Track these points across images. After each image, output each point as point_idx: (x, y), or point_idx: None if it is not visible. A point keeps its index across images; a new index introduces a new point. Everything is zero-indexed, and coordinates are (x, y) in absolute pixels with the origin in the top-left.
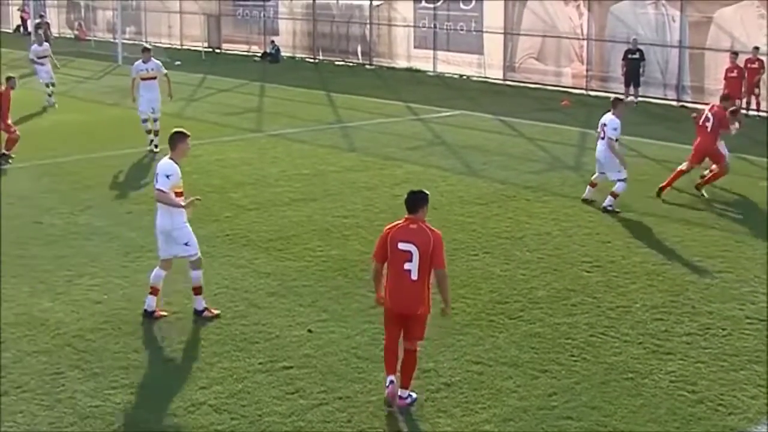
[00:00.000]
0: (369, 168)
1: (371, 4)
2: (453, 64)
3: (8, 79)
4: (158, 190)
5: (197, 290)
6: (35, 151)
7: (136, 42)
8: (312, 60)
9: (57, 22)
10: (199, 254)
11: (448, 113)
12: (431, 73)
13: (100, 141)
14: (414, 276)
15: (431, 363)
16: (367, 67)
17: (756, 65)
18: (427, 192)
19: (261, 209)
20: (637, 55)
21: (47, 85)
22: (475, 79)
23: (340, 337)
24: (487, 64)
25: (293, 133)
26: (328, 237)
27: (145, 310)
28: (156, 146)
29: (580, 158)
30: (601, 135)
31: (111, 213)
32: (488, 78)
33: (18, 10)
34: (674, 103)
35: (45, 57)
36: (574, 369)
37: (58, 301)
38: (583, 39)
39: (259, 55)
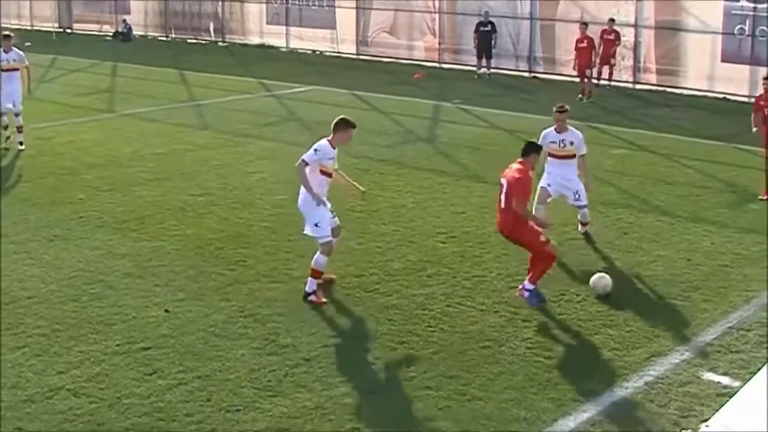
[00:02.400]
0: (223, 146)
1: None
2: (306, 39)
3: None
4: (300, 160)
5: (314, 273)
6: None
7: None
8: (164, 38)
9: None
10: (330, 239)
11: (301, 89)
12: (284, 49)
13: None
14: (501, 204)
15: (289, 338)
16: (220, 44)
17: (612, 36)
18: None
19: (114, 190)
20: (488, 27)
21: None
22: (328, 54)
23: (197, 316)
24: (340, 39)
25: (146, 113)
26: (182, 216)
27: (305, 292)
28: (20, 143)
29: (433, 130)
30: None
31: None
32: (341, 53)
33: None
34: (526, 74)
35: None
36: (432, 339)
37: None
38: (435, 12)
39: (111, 34)
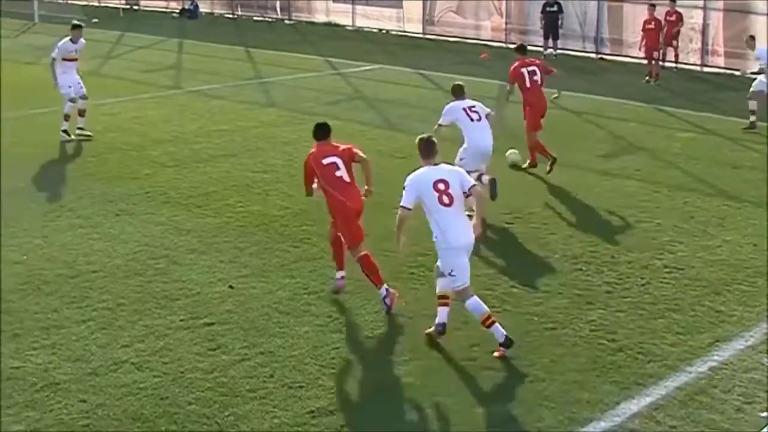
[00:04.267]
0: (288, 123)
1: None
2: (372, 18)
3: None
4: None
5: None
6: None
7: (53, 0)
8: (231, 16)
9: None
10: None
11: (367, 67)
12: (350, 28)
13: (16, 100)
14: (347, 178)
15: (353, 317)
16: (287, 22)
17: (674, 18)
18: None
19: (180, 166)
20: (555, 8)
21: None
22: (394, 33)
23: (262, 293)
24: (406, 18)
25: (212, 90)
26: (248, 193)
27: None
28: (80, 128)
29: (500, 111)
30: (477, 117)
31: (29, 173)
32: (407, 32)
33: None
34: (593, 55)
35: None
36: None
37: None
38: None
39: (178, 11)
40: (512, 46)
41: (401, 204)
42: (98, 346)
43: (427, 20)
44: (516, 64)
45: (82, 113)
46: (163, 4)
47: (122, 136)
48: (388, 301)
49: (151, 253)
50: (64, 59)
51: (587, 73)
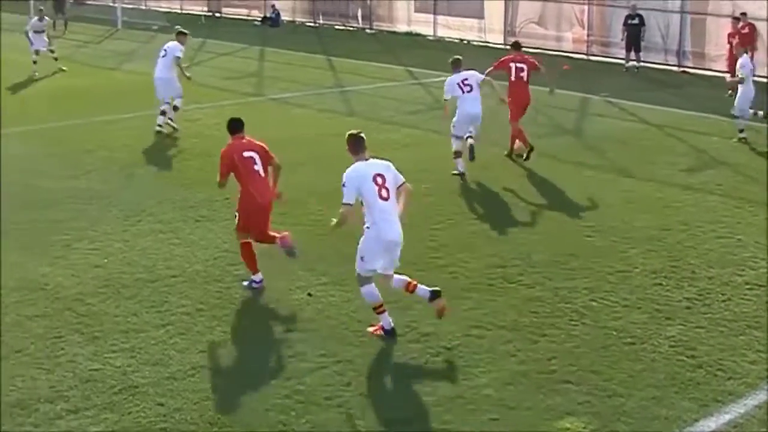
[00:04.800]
0: (369, 132)
1: None
2: (453, 28)
3: None
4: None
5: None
6: (35, 115)
7: (135, 6)
8: (312, 24)
9: None
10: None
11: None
12: (431, 38)
13: (100, 105)
14: (262, 173)
15: (431, 327)
16: (368, 31)
17: (746, 30)
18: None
19: None
20: (636, 21)
21: (37, 53)
22: (475, 43)
23: (340, 301)
24: (487, 29)
25: (293, 98)
26: (328, 201)
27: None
28: (160, 126)
29: (580, 123)
30: (468, 89)
31: (112, 177)
32: (489, 42)
33: None
34: (675, 68)
35: (42, 32)
36: (574, 333)
37: (57, 265)
38: (584, 3)
39: (260, 19)
40: (594, 58)
41: (343, 201)
42: (177, 350)
43: (509, 31)
44: (508, 56)
45: (176, 108)
46: (245, 11)
47: (203, 142)
48: (255, 285)
49: (231, 260)
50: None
51: (669, 86)
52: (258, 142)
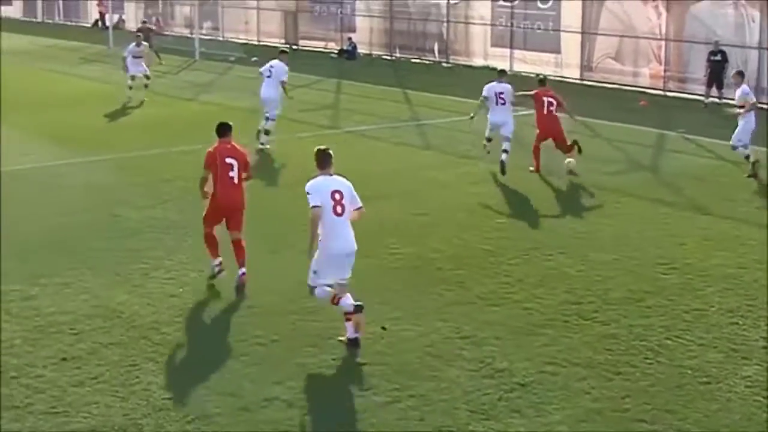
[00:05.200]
0: (445, 166)
1: (448, 2)
2: (530, 63)
3: None
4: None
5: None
6: (112, 145)
7: (213, 38)
8: (389, 57)
9: (134, 16)
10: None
11: (524, 112)
12: (508, 72)
13: (177, 136)
14: (236, 180)
15: (505, 362)
16: (444, 65)
17: None
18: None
19: None
20: (719, 57)
21: (133, 78)
22: (551, 78)
23: (414, 335)
24: (564, 64)
25: (369, 130)
26: (403, 235)
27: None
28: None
29: (656, 159)
30: (502, 102)
31: (188, 207)
32: (565, 77)
33: (96, 4)
34: None
35: (140, 57)
36: (649, 372)
37: (133, 293)
38: (662, 39)
39: (336, 52)
40: (670, 94)
41: (312, 205)
42: (250, 381)
43: (585, 66)
44: (538, 91)
45: (267, 132)
46: (322, 44)
47: (277, 173)
48: (216, 268)
49: (306, 292)
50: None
51: None
52: (242, 151)
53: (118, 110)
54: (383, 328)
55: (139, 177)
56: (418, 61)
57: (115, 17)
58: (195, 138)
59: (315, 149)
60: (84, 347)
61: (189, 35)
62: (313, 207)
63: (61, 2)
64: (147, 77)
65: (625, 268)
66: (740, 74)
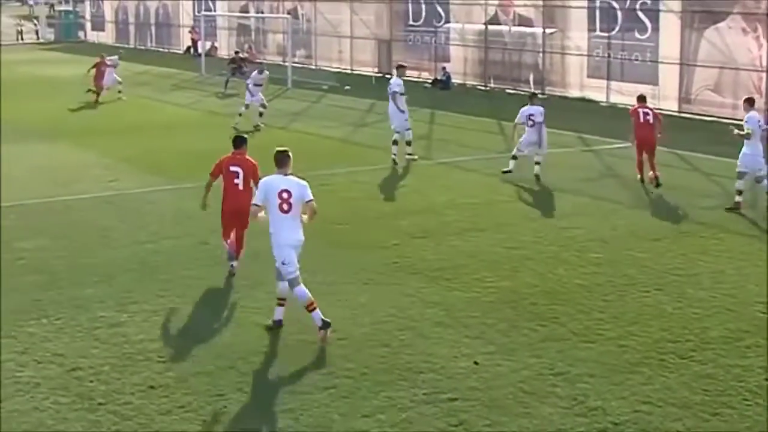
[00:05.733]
0: (539, 199)
1: (544, 31)
2: (627, 94)
3: None
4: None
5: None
6: (204, 172)
7: (306, 66)
8: (483, 87)
9: (227, 44)
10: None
11: (621, 145)
12: (604, 103)
13: (267, 164)
14: (240, 187)
15: (599, 401)
16: (540, 95)
17: None
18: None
19: (429, 238)
20: None
21: (258, 106)
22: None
23: (507, 371)
24: (661, 96)
25: (463, 161)
26: (497, 268)
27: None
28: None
29: (756, 195)
30: (531, 123)
31: None
32: (663, 109)
33: (188, 31)
34: None
35: (260, 86)
36: (747, 414)
37: (223, 323)
38: (762, 71)
39: (430, 81)
40: None
41: (253, 202)
42: (339, 414)
43: (683, 98)
44: (636, 106)
45: (409, 143)
46: (416, 74)
47: (372, 204)
48: (229, 249)
49: (397, 324)
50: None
51: None
52: (251, 162)
53: (209, 137)
54: (475, 363)
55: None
56: (513, 91)
57: (208, 44)
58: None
59: (275, 150)
60: (172, 375)
61: (282, 63)
62: (252, 205)
63: (153, 28)
64: (263, 106)
65: (723, 307)
66: (749, 101)
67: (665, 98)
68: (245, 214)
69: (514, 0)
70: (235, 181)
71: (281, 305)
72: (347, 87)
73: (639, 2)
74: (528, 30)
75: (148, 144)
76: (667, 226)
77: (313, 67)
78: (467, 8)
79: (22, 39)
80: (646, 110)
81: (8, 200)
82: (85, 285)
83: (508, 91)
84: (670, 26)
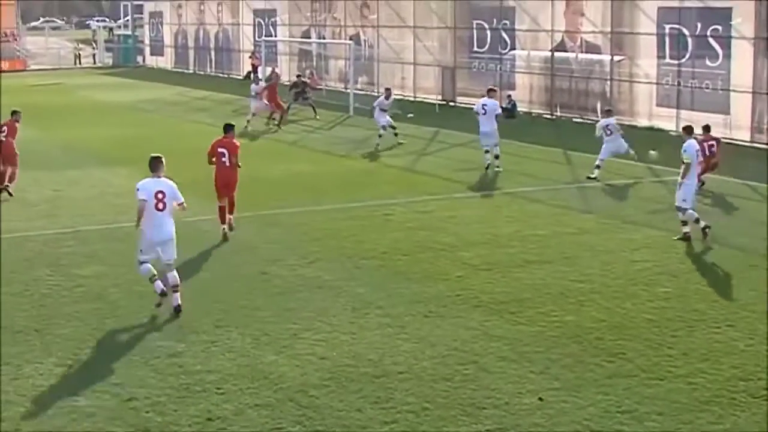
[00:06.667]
0: (606, 231)
1: (612, 59)
2: (697, 123)
3: (14, 112)
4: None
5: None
6: (263, 201)
7: (368, 92)
8: (549, 116)
9: (288, 69)
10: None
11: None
12: (673, 133)
13: (329, 193)
14: (227, 164)
15: None
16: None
17: None
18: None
19: (494, 270)
20: None
21: (388, 127)
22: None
23: (573, 408)
24: (733, 125)
25: (528, 192)
26: (562, 302)
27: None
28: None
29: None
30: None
31: (339, 267)
32: (734, 139)
33: (249, 57)
34: None
35: (385, 110)
36: None
37: (282, 354)
38: None
39: None
40: None
41: (139, 198)
42: None
43: (756, 127)
44: (703, 137)
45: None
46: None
47: (434, 235)
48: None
49: (460, 358)
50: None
51: None
52: (235, 144)
53: (269, 165)
54: (540, 399)
55: (288, 235)
56: (580, 120)
57: (268, 70)
58: (347, 196)
59: (150, 157)
60: (230, 408)
61: (343, 90)
62: (140, 200)
63: (213, 53)
64: (393, 127)
65: None
66: (687, 129)
67: (737, 128)
68: (232, 184)
69: (582, 26)
70: (223, 159)
71: (155, 280)
72: (410, 114)
73: (710, 29)
74: (596, 57)
75: (205, 171)
76: (737, 260)
77: (376, 93)
78: (533, 35)
79: (80, 63)
80: (711, 142)
81: (67, 226)
82: (142, 314)
83: (575, 119)
84: (742, 53)
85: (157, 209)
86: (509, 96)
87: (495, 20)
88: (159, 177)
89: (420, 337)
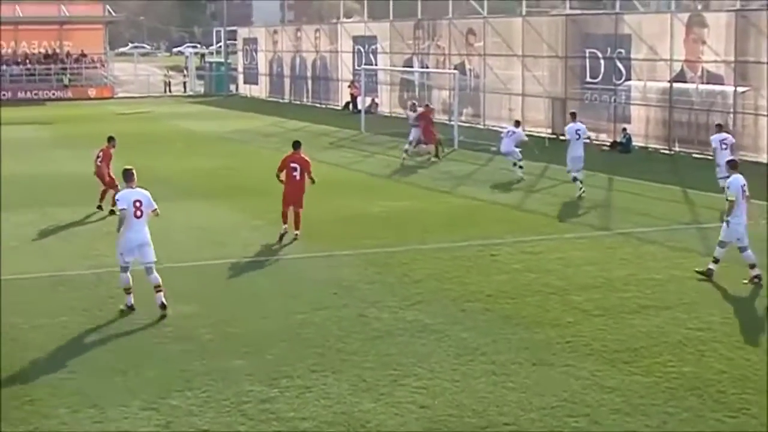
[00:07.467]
0: (729, 275)
1: (736, 90)
2: None
3: (110, 139)
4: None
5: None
6: (363, 239)
7: (473, 125)
8: (667, 151)
9: (389, 100)
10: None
11: None
12: None
13: (432, 231)
14: (298, 177)
15: None
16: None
17: None
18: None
19: (607, 315)
20: None
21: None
22: None
23: None
24: None
25: (643, 233)
26: (681, 351)
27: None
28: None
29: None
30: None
31: (442, 310)
32: None
33: (348, 86)
34: None
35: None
36: None
37: (380, 402)
38: None
39: (608, 144)
40: None
41: (120, 208)
42: None
43: None
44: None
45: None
46: (593, 135)
47: (543, 277)
48: (282, 230)
49: (570, 410)
50: None
51: None
52: (305, 158)
53: (370, 202)
54: None
55: (388, 275)
56: (700, 156)
57: (368, 100)
58: (450, 234)
59: (122, 168)
60: None
61: (447, 122)
62: (121, 209)
63: (309, 82)
64: (519, 160)
65: None
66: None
67: None
68: (300, 198)
69: (703, 55)
70: (294, 173)
71: (129, 293)
72: (537, 152)
73: None
74: (718, 88)
75: (311, 209)
76: None
77: (481, 126)
78: (650, 64)
79: (169, 91)
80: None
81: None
82: (233, 356)
83: (694, 155)
84: None
85: (136, 216)
86: (624, 129)
87: (609, 49)
88: (133, 187)
89: (527, 387)
